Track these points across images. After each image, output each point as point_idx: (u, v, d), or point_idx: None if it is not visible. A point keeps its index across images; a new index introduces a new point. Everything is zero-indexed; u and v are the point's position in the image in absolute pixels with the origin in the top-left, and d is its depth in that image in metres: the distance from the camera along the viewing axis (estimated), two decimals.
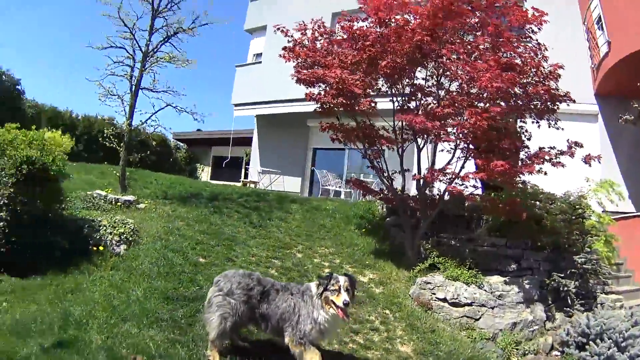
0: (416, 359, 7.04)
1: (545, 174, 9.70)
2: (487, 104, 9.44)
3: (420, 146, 10.70)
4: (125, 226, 9.48)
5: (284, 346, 5.89)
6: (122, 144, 12.82)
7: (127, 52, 12.85)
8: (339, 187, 15.91)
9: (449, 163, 10.38)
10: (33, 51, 65.90)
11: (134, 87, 12.80)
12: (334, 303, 5.60)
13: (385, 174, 10.86)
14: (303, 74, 10.42)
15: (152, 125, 13.20)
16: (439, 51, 9.66)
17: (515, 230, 10.14)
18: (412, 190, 12.06)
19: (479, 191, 10.82)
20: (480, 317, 8.78)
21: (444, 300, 9.00)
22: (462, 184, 10.07)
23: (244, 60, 23.73)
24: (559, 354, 8.35)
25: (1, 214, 8.11)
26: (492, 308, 8.84)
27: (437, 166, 10.47)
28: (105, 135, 13.05)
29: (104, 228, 9.26)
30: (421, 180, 10.42)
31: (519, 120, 10.43)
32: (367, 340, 7.26)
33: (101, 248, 8.80)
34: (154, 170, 19.38)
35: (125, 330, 6.31)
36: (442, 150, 10.81)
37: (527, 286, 9.31)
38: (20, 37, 63.79)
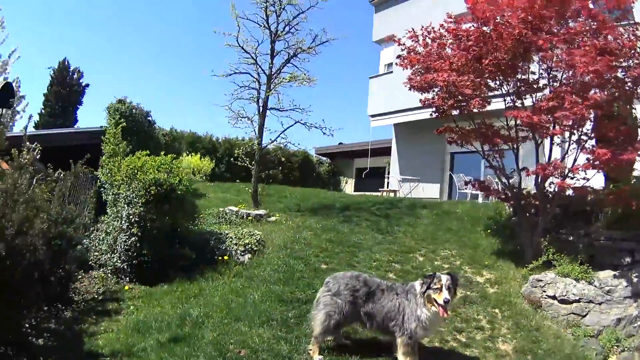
0: (514, 357, 7.20)
1: None
2: (591, 92, 9.39)
3: (538, 142, 10.71)
4: (251, 237, 10.69)
5: (384, 344, 6.76)
6: (253, 162, 14.09)
7: (252, 76, 14.46)
8: (476, 190, 16.10)
9: (563, 157, 10.40)
10: (166, 83, 72.64)
11: (261, 108, 14.29)
12: (435, 301, 6.18)
13: (503, 173, 11.00)
14: (415, 81, 11.05)
15: (281, 143, 14.30)
16: (536, 42, 9.71)
17: (632, 222, 9.81)
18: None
19: (595, 183, 10.55)
20: (587, 314, 8.63)
21: (553, 297, 8.97)
22: (573, 177, 9.97)
23: (376, 71, 24.79)
24: None
25: (133, 230, 9.74)
26: (600, 304, 8.65)
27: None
28: (236, 155, 14.56)
29: (230, 239, 10.56)
30: (538, 177, 10.43)
31: (630, 107, 10.11)
32: (469, 339, 7.60)
33: (226, 258, 10.05)
34: (299, 186, 20.73)
35: (237, 328, 7.28)
36: (560, 144, 10.91)
37: (635, 279, 8.97)
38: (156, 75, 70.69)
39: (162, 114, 70.96)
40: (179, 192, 10.09)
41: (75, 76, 31.95)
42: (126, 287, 9.43)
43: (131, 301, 8.83)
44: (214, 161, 21.23)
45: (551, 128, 9.96)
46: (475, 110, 10.46)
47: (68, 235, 8.61)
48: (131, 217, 9.80)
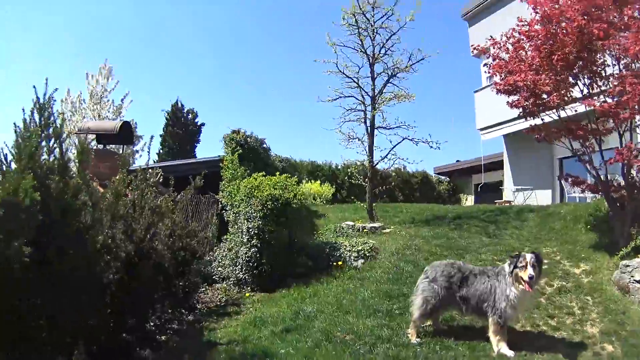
0: (599, 338, 7.12)
1: None
2: None
3: (621, 131, 10.51)
4: (364, 245, 11.24)
5: (477, 330, 7.14)
6: (366, 180, 14.66)
7: (356, 98, 15.17)
8: (583, 192, 15.78)
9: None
10: (275, 116, 75.36)
11: (369, 127, 14.95)
12: (522, 278, 6.47)
13: (592, 167, 10.83)
14: (500, 85, 11.29)
15: (390, 159, 14.84)
16: (594, 32, 9.70)
17: None
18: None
19: None
20: None
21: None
22: None
23: (480, 84, 24.61)
24: None
25: (253, 242, 10.60)
26: None
27: None
28: (350, 173, 15.36)
29: (344, 247, 11.16)
30: (624, 166, 10.23)
31: None
32: (559, 323, 7.66)
33: (340, 263, 10.61)
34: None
35: (345, 319, 7.79)
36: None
37: None
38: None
39: (275, 144, 73.78)
40: (294, 206, 10.82)
41: (190, 116, 33.87)
42: (247, 294, 10.24)
43: (251, 305, 9.60)
44: (333, 187, 21.93)
45: (622, 114, 9.81)
46: (555, 105, 10.52)
47: (192, 247, 9.47)
48: (250, 230, 10.65)
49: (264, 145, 16.71)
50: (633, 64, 10.04)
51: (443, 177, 31.03)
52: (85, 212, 5.64)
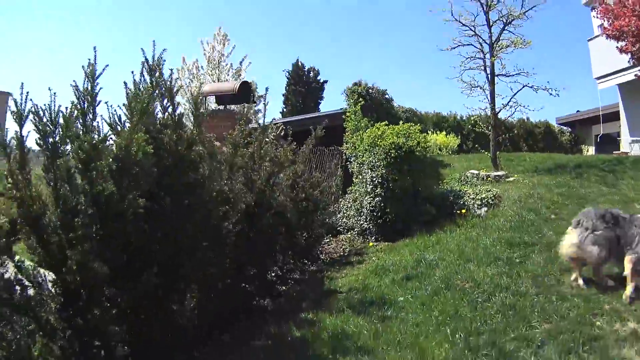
0: None
1: None
2: None
3: None
4: (487, 193, 10.69)
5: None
6: (490, 129, 14.01)
7: (475, 47, 14.34)
8: None
9: None
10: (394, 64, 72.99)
11: (489, 75, 14.12)
12: None
13: None
14: (607, 29, 10.59)
15: (512, 107, 14.02)
16: None
17: None
18: None
19: None
20: None
21: None
22: None
23: (592, 33, 23.00)
24: None
25: (377, 191, 10.42)
26: None
27: None
28: (474, 121, 14.77)
29: (468, 195, 10.70)
30: None
31: None
32: None
33: (463, 211, 10.16)
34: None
35: (466, 267, 7.41)
36: None
37: None
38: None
39: (399, 96, 72.50)
40: (417, 154, 10.43)
41: (311, 74, 33.67)
42: (370, 244, 10.11)
43: (374, 254, 9.45)
44: (459, 137, 21.22)
45: None
46: None
47: (314, 198, 9.42)
48: (374, 179, 10.46)
49: (387, 96, 16.21)
50: None
51: (565, 128, 29.62)
52: (202, 163, 5.61)
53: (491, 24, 14.17)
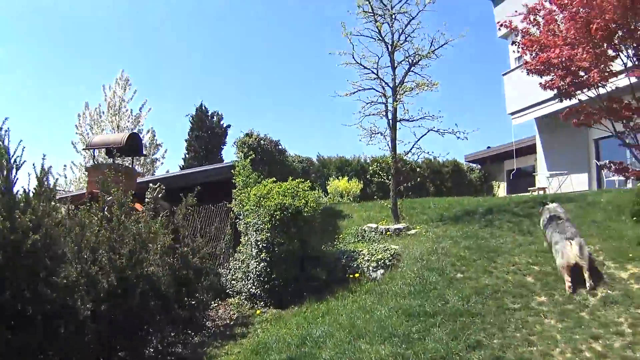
0: None
1: None
2: None
3: None
4: (385, 252, 10.38)
5: None
6: (390, 177, 13.95)
7: (377, 90, 14.23)
8: (613, 172, 14.65)
9: None
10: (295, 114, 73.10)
11: (391, 121, 14.01)
12: None
13: (638, 150, 9.77)
14: (530, 63, 10.39)
15: (415, 154, 14.06)
16: None
17: None
18: None
19: None
20: None
21: None
22: None
23: (507, 67, 23.83)
24: None
25: (262, 255, 10.05)
26: None
27: None
28: (372, 171, 14.71)
29: (362, 257, 10.37)
30: None
31: None
32: (605, 347, 6.59)
33: (357, 275, 9.85)
34: (452, 195, 20.57)
35: (357, 346, 7.06)
36: None
37: None
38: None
39: (301, 143, 72.44)
40: (306, 215, 10.11)
41: (214, 119, 33.43)
42: (258, 312, 9.69)
43: (260, 325, 9.04)
44: (361, 182, 21.15)
45: None
46: (594, 82, 9.51)
47: (195, 265, 8.94)
48: (259, 243, 10.11)
49: (280, 147, 15.71)
50: None
51: (475, 165, 30.27)
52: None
53: (396, 65, 14.12)
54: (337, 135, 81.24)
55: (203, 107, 33.23)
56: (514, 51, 11.47)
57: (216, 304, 10.39)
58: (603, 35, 9.24)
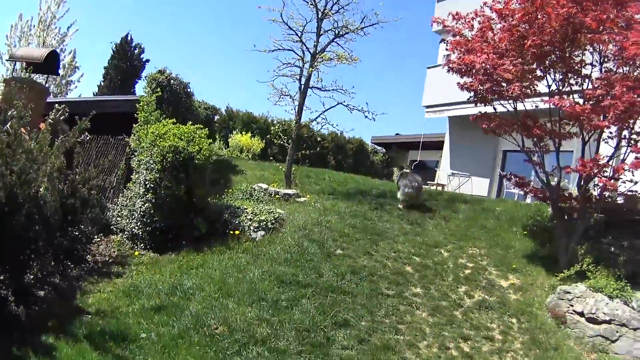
0: None
1: None
2: None
3: (586, 138, 9.97)
4: (269, 214, 10.47)
5: None
6: (289, 141, 14.06)
7: (296, 53, 14.18)
8: (513, 185, 15.34)
9: (611, 157, 9.50)
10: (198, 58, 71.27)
11: (302, 86, 14.03)
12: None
13: (542, 170, 10.29)
14: (453, 62, 10.45)
15: (320, 123, 14.22)
16: (586, 23, 8.96)
17: None
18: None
19: None
20: (617, 339, 7.61)
21: (581, 314, 8.04)
22: (618, 178, 9.31)
23: (435, 61, 23.77)
24: None
25: (148, 195, 9.90)
26: (635, 329, 7.60)
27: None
28: (273, 132, 14.84)
29: (245, 215, 10.42)
30: (581, 177, 9.73)
31: None
32: (473, 349, 6.99)
33: (237, 232, 9.93)
34: (351, 173, 20.46)
35: (224, 304, 7.20)
36: (609, 141, 9.87)
37: None
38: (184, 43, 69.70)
39: (216, 91, 70.56)
40: (197, 162, 10.03)
41: (136, 51, 32.31)
42: (136, 253, 9.60)
43: (136, 267, 8.98)
44: (264, 142, 21.05)
45: (596, 121, 9.16)
46: (514, 95, 9.81)
47: (82, 195, 8.70)
48: (147, 182, 9.96)
49: (188, 90, 15.30)
50: (622, 68, 9.27)
51: (379, 148, 30.46)
52: None
53: (321, 33, 14.10)
54: (251, 90, 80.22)
55: (129, 37, 32.04)
56: (445, 48, 11.52)
57: (99, 239, 10.11)
58: (535, 54, 9.48)
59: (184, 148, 9.87)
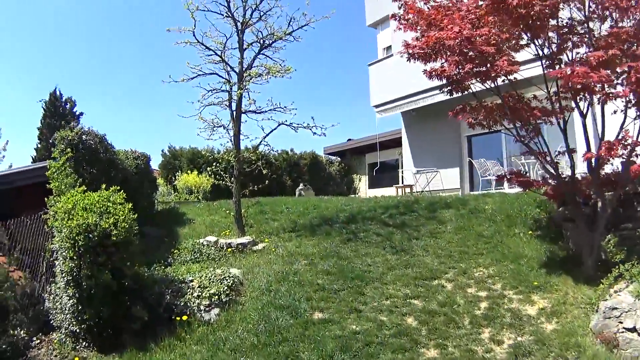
0: None
1: None
2: None
3: (584, 111, 8.23)
4: (220, 283, 8.39)
5: None
6: (232, 179, 12.13)
7: (220, 76, 12.15)
8: (513, 184, 13.47)
9: (619, 133, 7.83)
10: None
11: (234, 112, 12.06)
12: None
13: (548, 158, 8.39)
14: (415, 46, 8.38)
15: (264, 150, 12.76)
16: None
17: None
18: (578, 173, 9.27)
19: None
20: None
21: (632, 330, 6.37)
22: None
23: (375, 57, 22.33)
24: None
25: (69, 291, 7.71)
26: None
27: (609, 136, 7.93)
28: (212, 172, 13.03)
29: (191, 291, 8.30)
30: (593, 160, 7.92)
31: None
32: None
33: (184, 318, 7.75)
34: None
35: None
36: (615, 113, 8.09)
37: None
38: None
39: (155, 132, 66.47)
40: (115, 239, 7.62)
41: (67, 106, 30.02)
42: (76, 358, 7.51)
43: None
44: (212, 176, 18.94)
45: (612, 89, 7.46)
46: (502, 72, 7.88)
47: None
48: (63, 274, 7.76)
49: (106, 142, 12.70)
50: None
51: (334, 158, 29.23)
52: None
53: (245, 47, 12.23)
54: (191, 124, 76.29)
55: (58, 92, 29.58)
56: (394, 30, 9.21)
57: (39, 340, 8.14)
58: (520, 15, 7.49)
59: (96, 224, 7.52)
